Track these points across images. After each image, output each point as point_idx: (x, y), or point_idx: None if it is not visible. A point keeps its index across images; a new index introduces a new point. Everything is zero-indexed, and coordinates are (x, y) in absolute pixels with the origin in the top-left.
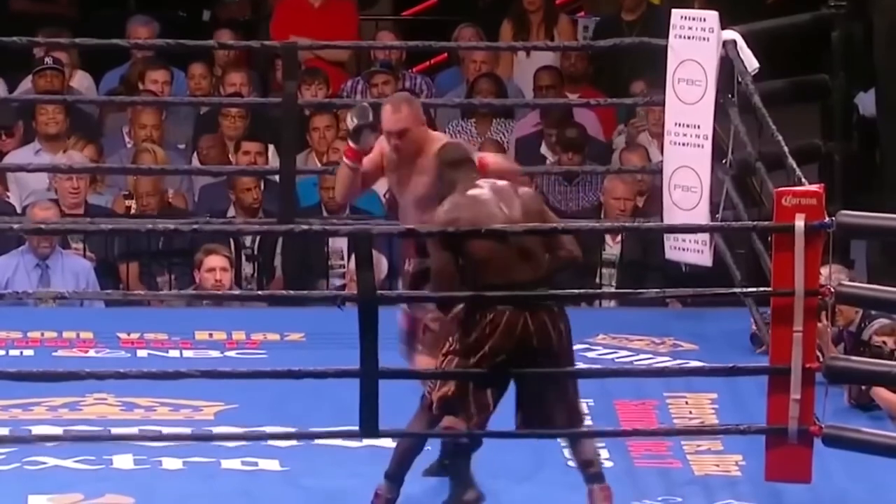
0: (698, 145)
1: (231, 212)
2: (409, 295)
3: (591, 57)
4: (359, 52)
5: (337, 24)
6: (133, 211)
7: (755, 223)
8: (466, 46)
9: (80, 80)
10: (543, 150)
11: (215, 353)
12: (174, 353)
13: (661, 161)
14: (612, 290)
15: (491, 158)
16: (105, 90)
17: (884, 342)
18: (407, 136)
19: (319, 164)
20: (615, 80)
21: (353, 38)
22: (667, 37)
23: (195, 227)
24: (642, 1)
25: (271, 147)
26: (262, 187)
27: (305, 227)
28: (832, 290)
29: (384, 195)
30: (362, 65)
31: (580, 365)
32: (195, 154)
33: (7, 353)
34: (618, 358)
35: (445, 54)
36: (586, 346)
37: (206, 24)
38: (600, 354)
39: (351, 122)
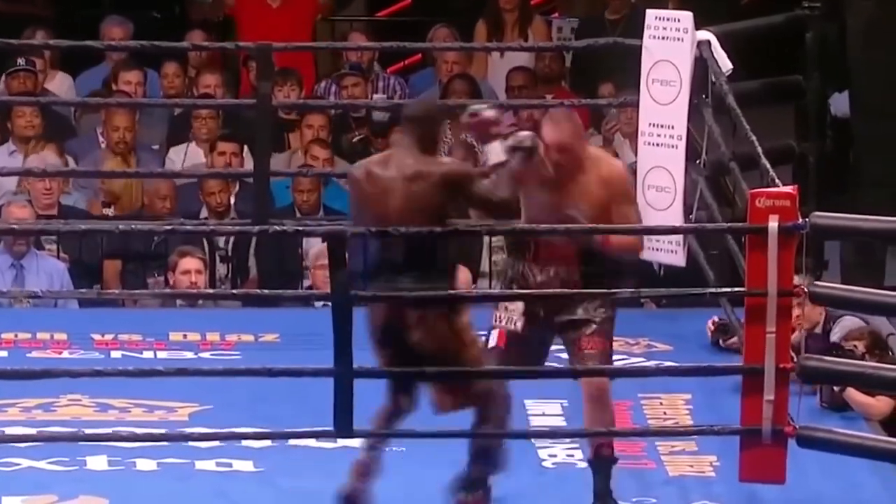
0: (672, 146)
1: (204, 213)
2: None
3: (573, 57)
4: (333, 53)
5: (295, 25)
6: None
7: (729, 224)
8: (439, 47)
9: (60, 81)
10: None
11: (189, 354)
12: (148, 354)
13: (635, 161)
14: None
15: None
16: (81, 91)
17: (855, 346)
18: (568, 152)
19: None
20: (592, 80)
21: (307, 39)
22: None
23: (169, 228)
24: (627, 1)
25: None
26: (238, 188)
27: (280, 227)
28: (805, 290)
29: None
30: (336, 66)
31: (555, 365)
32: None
33: None
34: None
35: (419, 55)
36: (561, 346)
37: (177, 24)
38: None
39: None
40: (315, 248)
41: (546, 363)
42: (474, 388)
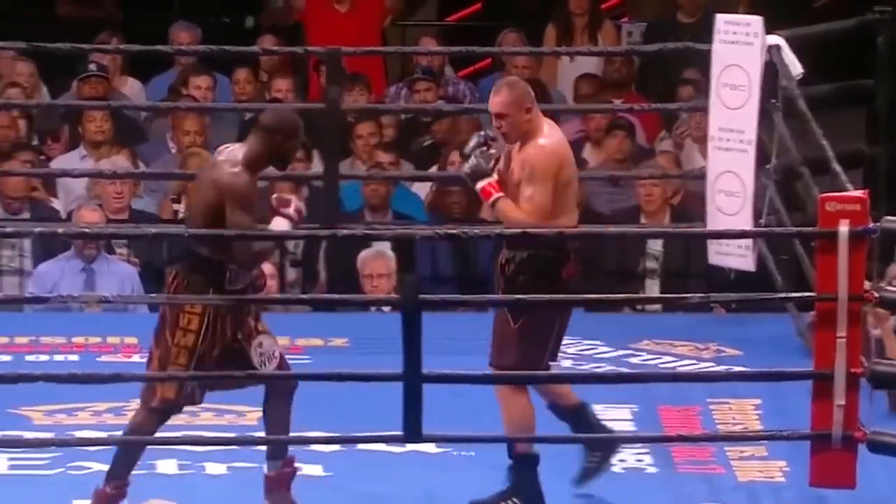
0: (742, 150)
1: None
2: (453, 299)
3: (642, 62)
4: (403, 58)
5: (364, 30)
6: (181, 215)
7: (799, 229)
8: (507, 52)
9: (131, 87)
10: (586, 154)
11: None
12: None
13: (705, 166)
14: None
15: None
16: (151, 96)
17: None
18: (506, 120)
19: (364, 169)
20: (663, 85)
21: (376, 44)
22: None
23: (238, 232)
24: (701, 4)
25: (315, 152)
26: (307, 193)
27: (349, 232)
28: (876, 295)
29: (426, 199)
30: (405, 71)
31: (623, 370)
32: None
33: (52, 358)
34: (661, 363)
35: (489, 60)
36: (630, 351)
37: (249, 30)
38: (644, 360)
39: (473, 159)
40: (362, 254)
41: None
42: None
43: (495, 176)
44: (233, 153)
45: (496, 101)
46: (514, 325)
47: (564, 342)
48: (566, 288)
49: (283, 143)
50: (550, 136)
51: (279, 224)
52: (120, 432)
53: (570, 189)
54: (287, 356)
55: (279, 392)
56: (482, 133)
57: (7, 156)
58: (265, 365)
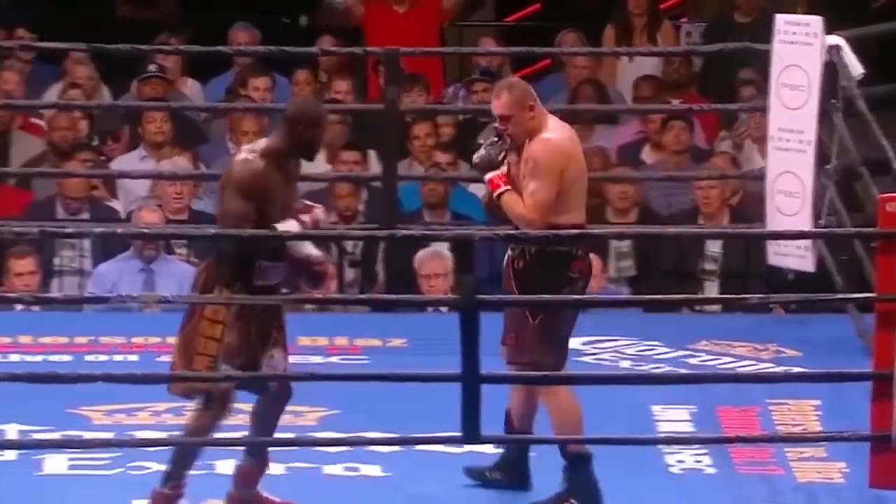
0: (801, 151)
1: (332, 219)
2: (510, 299)
3: (701, 62)
4: (462, 59)
5: (422, 31)
6: None
7: (859, 229)
8: (567, 52)
9: (190, 87)
10: (644, 155)
11: (318, 359)
12: None
13: (764, 167)
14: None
15: None
16: (210, 97)
17: None
18: (510, 121)
19: (422, 170)
20: (722, 85)
21: (434, 44)
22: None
23: (298, 233)
24: (758, 4)
25: (371, 153)
26: (366, 195)
27: (407, 232)
28: None
29: (483, 199)
30: (464, 71)
31: (682, 371)
32: None
33: (111, 358)
34: (720, 364)
35: (548, 60)
36: (689, 352)
37: (304, 30)
38: (703, 360)
39: (483, 150)
40: (419, 254)
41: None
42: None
43: (504, 169)
44: (257, 144)
45: (498, 105)
46: (533, 321)
47: (623, 343)
48: (577, 284)
49: (305, 132)
50: (556, 132)
51: (289, 226)
52: (179, 432)
53: (576, 187)
54: (346, 356)
55: (278, 397)
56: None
57: (67, 156)
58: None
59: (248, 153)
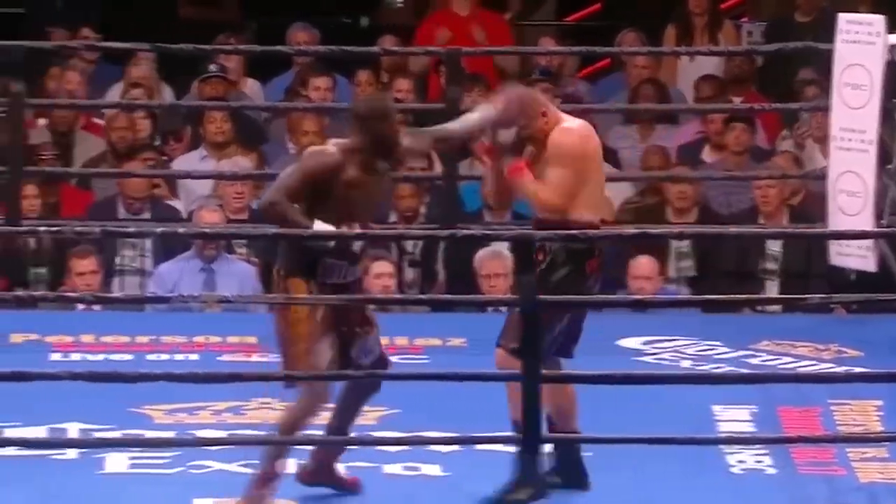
0: (863, 150)
1: (393, 218)
2: (574, 300)
3: (762, 61)
4: (522, 59)
5: (488, 32)
6: None
7: None
8: (627, 52)
9: (251, 88)
10: (705, 155)
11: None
12: None
13: (826, 166)
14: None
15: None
16: (270, 97)
17: None
18: (510, 126)
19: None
20: (783, 84)
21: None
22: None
23: (360, 232)
24: (817, 3)
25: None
26: (428, 195)
27: (468, 232)
28: None
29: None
30: (524, 71)
31: (743, 371)
32: None
33: (172, 357)
34: (781, 364)
35: (609, 60)
36: (750, 352)
37: (365, 30)
38: (764, 361)
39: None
40: (479, 253)
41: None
42: None
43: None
44: (340, 143)
45: (499, 112)
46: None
47: (683, 343)
48: (588, 281)
49: (379, 127)
50: (575, 124)
51: (319, 226)
52: (240, 431)
53: (590, 186)
54: (406, 356)
55: (366, 389)
56: None
57: (127, 156)
58: (361, 358)
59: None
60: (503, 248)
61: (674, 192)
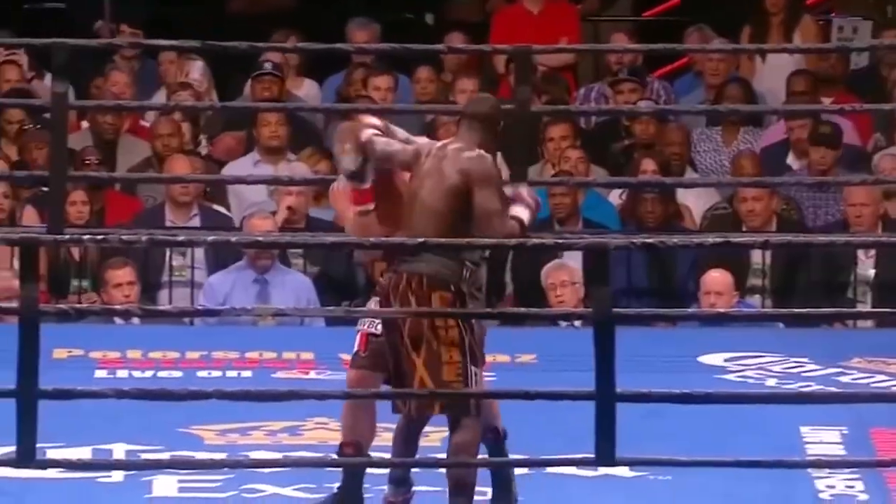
0: None
1: None
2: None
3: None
4: (596, 57)
5: (558, 29)
6: None
7: None
8: (708, 49)
9: (308, 88)
10: (790, 160)
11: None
12: None
13: None
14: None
15: None
16: (328, 98)
17: None
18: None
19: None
20: (874, 83)
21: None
22: None
23: (421, 241)
24: None
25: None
26: None
27: (538, 240)
28: None
29: (618, 206)
30: (599, 70)
31: (833, 390)
32: None
33: (224, 374)
34: (874, 383)
35: (686, 58)
36: (840, 369)
37: (429, 28)
38: (855, 378)
39: (348, 164)
40: (549, 264)
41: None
42: None
43: None
44: (460, 146)
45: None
46: None
47: (769, 360)
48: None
49: (497, 128)
50: None
51: (520, 212)
52: (296, 453)
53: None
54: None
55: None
56: None
57: (173, 162)
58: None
59: (467, 151)
60: (568, 257)
61: (748, 201)
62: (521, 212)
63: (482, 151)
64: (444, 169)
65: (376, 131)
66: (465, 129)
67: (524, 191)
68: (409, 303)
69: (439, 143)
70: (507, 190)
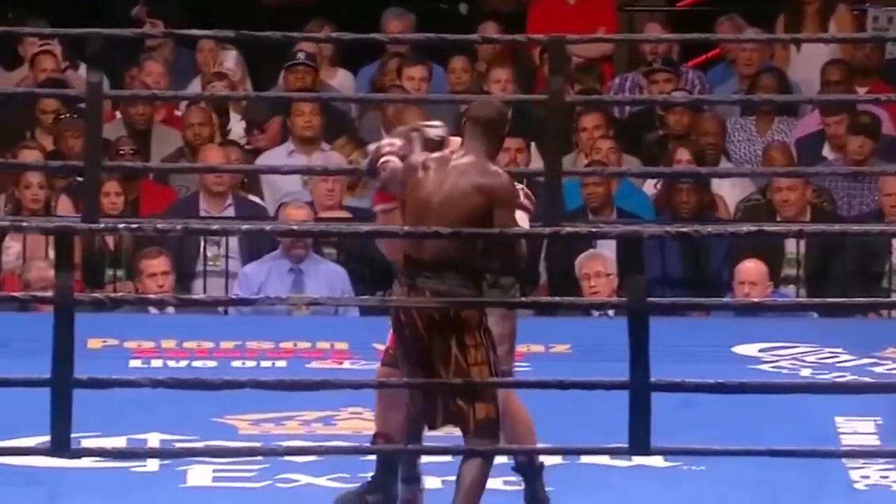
0: None
1: None
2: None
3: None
4: (630, 47)
5: (595, 20)
6: None
7: None
8: (742, 39)
9: (342, 79)
10: (826, 151)
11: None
12: None
13: None
14: None
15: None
16: (361, 88)
17: None
18: None
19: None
20: None
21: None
22: None
23: (453, 230)
24: None
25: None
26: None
27: (572, 229)
28: None
29: (652, 196)
30: (633, 59)
31: (867, 380)
32: None
33: (258, 364)
34: None
35: (721, 48)
36: (874, 359)
37: (463, 17)
38: (889, 369)
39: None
40: (583, 254)
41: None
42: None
43: None
44: (472, 160)
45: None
46: None
47: (803, 350)
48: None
49: (504, 131)
50: None
51: (521, 219)
52: (331, 443)
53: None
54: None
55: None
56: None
57: (208, 149)
58: None
59: (482, 167)
60: (602, 247)
61: (783, 191)
62: (523, 218)
63: (499, 169)
64: (460, 184)
65: (391, 157)
66: (470, 136)
67: (521, 194)
68: (436, 321)
69: (441, 154)
70: None
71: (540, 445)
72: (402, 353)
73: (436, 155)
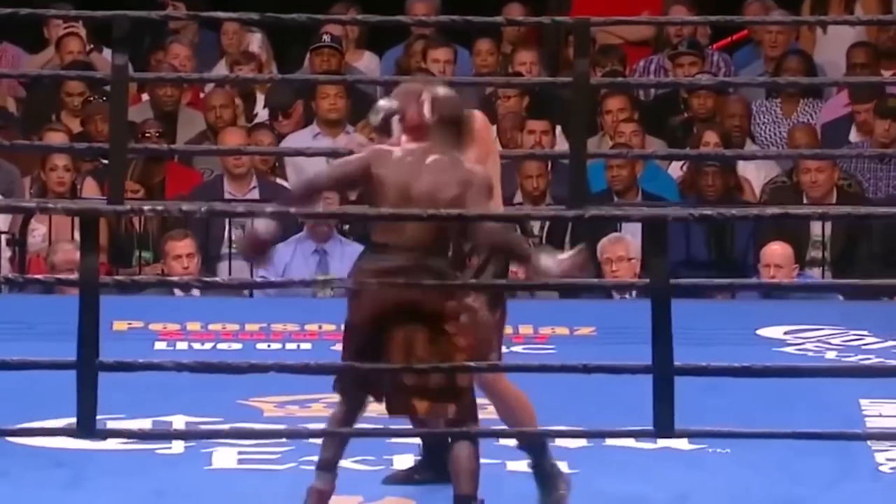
0: None
1: (518, 197)
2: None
3: None
4: (658, 30)
5: (640, 3)
6: None
7: None
8: (770, 21)
9: (368, 61)
10: (852, 136)
11: (502, 349)
12: None
13: None
14: None
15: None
16: (387, 71)
17: None
18: None
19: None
20: None
21: (657, 14)
22: None
23: (480, 213)
24: None
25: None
26: (549, 169)
27: (597, 211)
28: None
29: (678, 179)
30: (658, 42)
31: (892, 363)
32: None
33: (283, 346)
34: None
35: (747, 31)
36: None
37: (488, 0)
38: None
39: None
40: (606, 238)
41: None
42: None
43: None
44: (450, 156)
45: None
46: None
47: (828, 333)
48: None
49: (466, 127)
50: None
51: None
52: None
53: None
54: (531, 346)
55: None
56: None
57: (227, 132)
58: None
59: (456, 160)
60: (625, 232)
61: (811, 172)
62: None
63: (477, 166)
64: (441, 178)
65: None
66: (438, 131)
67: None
68: (420, 298)
69: (406, 147)
70: None
71: (564, 428)
72: (354, 337)
73: (413, 146)
